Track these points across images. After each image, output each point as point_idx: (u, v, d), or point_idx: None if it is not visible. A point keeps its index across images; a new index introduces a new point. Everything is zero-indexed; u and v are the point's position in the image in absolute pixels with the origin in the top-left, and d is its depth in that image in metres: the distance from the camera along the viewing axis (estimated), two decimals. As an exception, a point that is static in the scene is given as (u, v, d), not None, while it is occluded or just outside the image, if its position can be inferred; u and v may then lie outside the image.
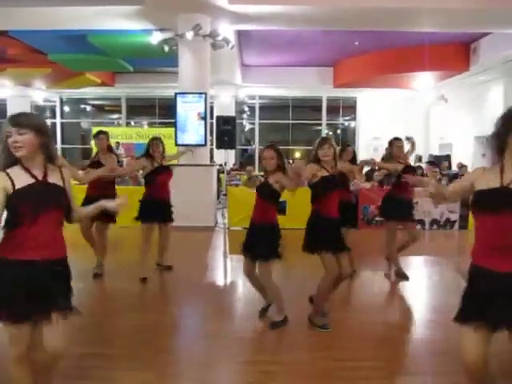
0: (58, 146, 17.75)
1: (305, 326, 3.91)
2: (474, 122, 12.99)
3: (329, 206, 3.79)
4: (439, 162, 12.58)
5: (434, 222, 8.66)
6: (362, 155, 16.95)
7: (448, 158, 13.93)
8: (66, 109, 18.59)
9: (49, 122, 17.93)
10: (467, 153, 13.20)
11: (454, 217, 8.64)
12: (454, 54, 11.85)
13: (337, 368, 3.19)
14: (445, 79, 13.26)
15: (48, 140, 2.25)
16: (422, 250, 7.50)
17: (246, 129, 18.65)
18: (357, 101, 17.56)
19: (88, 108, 19.27)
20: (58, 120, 18.01)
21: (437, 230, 8.64)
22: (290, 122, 17.70)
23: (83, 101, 18.78)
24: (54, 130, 17.77)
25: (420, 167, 10.85)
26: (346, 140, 18.74)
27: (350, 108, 17.88)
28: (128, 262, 5.94)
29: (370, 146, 16.36)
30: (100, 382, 2.99)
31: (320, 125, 17.82)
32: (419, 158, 14.28)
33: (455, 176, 10.16)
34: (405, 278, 5.28)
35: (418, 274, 5.88)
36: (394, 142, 5.30)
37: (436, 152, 15.35)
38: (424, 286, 5.47)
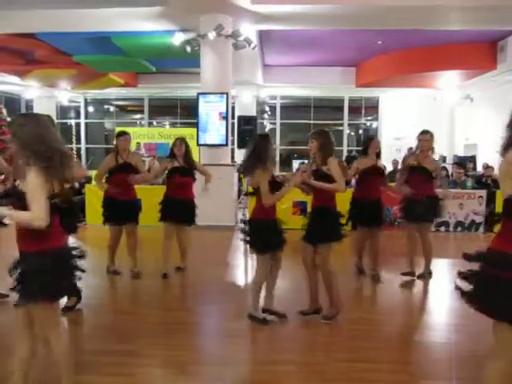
0: (82, 145, 18.07)
1: (322, 326, 3.89)
2: (501, 122, 12.65)
3: None
4: (464, 162, 12.32)
5: (458, 224, 8.49)
6: (384, 156, 16.76)
7: (473, 158, 13.63)
8: (90, 109, 18.92)
9: (73, 122, 18.31)
10: (493, 153, 12.87)
11: (479, 219, 8.45)
12: (481, 53, 11.59)
13: (353, 370, 3.17)
14: (470, 78, 12.99)
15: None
16: (445, 252, 7.38)
17: (267, 129, 18.64)
18: (379, 100, 17.35)
19: (111, 108, 19.55)
20: (83, 120, 18.34)
21: (461, 232, 8.47)
22: (312, 122, 17.60)
23: (107, 101, 19.07)
24: (79, 130, 18.11)
25: (444, 168, 10.66)
26: (368, 140, 18.57)
27: (372, 108, 17.68)
28: (149, 260, 6.00)
29: (392, 147, 16.15)
30: (123, 379, 3.03)
31: (341, 125, 17.67)
32: (443, 159, 14.03)
33: (480, 177, 9.94)
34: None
35: (441, 277, 5.77)
36: (418, 136, 5.26)
37: (461, 153, 15.03)
38: (446, 289, 5.36)
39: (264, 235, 3.82)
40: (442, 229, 8.47)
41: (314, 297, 4.11)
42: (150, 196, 8.32)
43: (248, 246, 3.95)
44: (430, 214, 5.28)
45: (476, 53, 11.60)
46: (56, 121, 16.38)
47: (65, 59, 11.33)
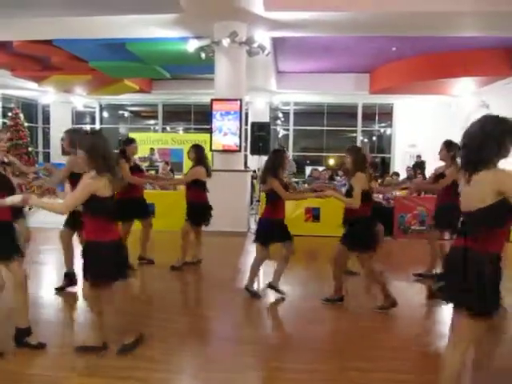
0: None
1: (332, 335, 3.85)
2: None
3: None
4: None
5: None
6: (397, 163, 16.65)
7: (488, 166, 13.43)
8: (105, 114, 19.15)
9: (88, 127, 18.54)
10: (510, 160, 12.69)
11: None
12: (496, 59, 11.45)
13: (366, 379, 3.14)
14: (486, 85, 12.84)
15: None
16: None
17: (280, 135, 18.65)
18: (393, 107, 17.26)
19: (126, 114, 19.76)
20: (98, 125, 18.57)
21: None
22: (325, 128, 17.57)
23: (121, 107, 19.28)
24: (94, 135, 18.31)
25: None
26: (382, 147, 18.49)
27: (386, 114, 17.59)
28: (163, 264, 6.02)
29: (406, 154, 16.03)
30: (136, 383, 3.04)
31: (355, 131, 17.61)
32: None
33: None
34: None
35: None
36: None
37: (476, 160, 14.84)
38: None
39: (268, 231, 4.70)
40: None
41: (338, 287, 4.65)
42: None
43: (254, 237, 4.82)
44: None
45: (492, 59, 11.46)
46: (71, 126, 16.61)
47: (81, 65, 11.49)
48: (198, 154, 5.87)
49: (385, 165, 16.42)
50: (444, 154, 5.28)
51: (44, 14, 7.84)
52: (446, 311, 4.72)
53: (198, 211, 5.90)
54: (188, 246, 6.00)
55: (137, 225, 6.01)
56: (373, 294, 5.17)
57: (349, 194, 4.33)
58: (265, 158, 13.67)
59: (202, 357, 3.50)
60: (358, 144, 17.42)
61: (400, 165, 15.47)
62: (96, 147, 3.15)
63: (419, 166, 13.51)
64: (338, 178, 11.33)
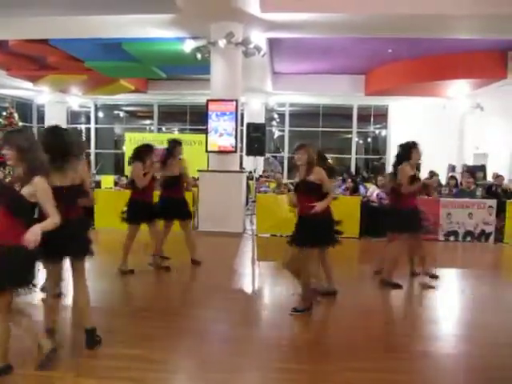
0: (92, 150, 18.22)
1: (333, 335, 3.87)
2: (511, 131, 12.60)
3: None
4: (474, 172, 12.23)
5: (467, 233, 8.41)
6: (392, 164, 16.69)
7: (483, 168, 13.52)
8: (100, 114, 19.09)
9: (83, 127, 18.49)
10: (504, 163, 12.79)
11: (489, 229, 8.36)
12: (491, 62, 11.54)
13: (364, 379, 3.15)
14: (481, 87, 12.92)
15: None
16: (455, 262, 7.32)
17: (276, 136, 18.67)
18: (388, 109, 17.34)
19: (121, 114, 19.71)
20: (93, 125, 18.52)
21: (471, 242, 8.39)
22: (320, 129, 17.62)
23: (117, 107, 19.23)
24: (89, 135, 18.27)
25: (454, 177, 10.60)
26: (377, 148, 18.55)
27: (382, 116, 17.67)
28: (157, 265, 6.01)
29: (401, 155, 16.07)
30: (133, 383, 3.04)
31: (350, 133, 17.67)
32: (452, 168, 13.94)
33: (490, 187, 9.85)
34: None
35: (450, 287, 5.72)
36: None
37: (470, 162, 14.94)
38: (456, 299, 5.31)
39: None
40: (451, 238, 8.40)
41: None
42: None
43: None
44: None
45: (486, 62, 11.55)
46: (66, 125, 16.56)
47: (76, 65, 11.46)
48: None
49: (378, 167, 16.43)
50: None
51: (41, 13, 7.83)
52: (442, 312, 4.77)
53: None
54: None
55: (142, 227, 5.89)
56: (370, 295, 5.20)
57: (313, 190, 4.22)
58: (260, 159, 13.72)
59: (198, 357, 3.49)
60: (353, 145, 17.51)
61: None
62: (24, 146, 2.91)
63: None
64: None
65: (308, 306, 4.37)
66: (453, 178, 10.48)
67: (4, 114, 13.89)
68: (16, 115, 13.96)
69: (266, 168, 15.19)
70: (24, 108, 17.30)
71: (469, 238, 8.41)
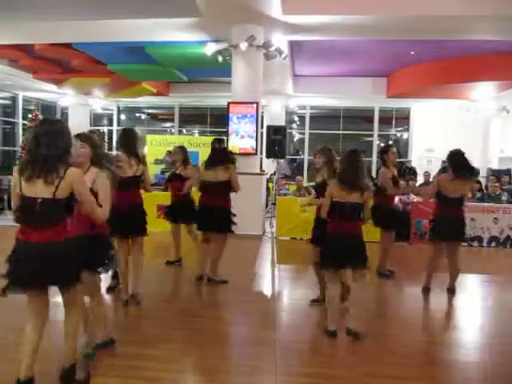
0: (114, 152, 18.45)
1: (354, 340, 3.81)
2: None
3: None
4: (499, 176, 11.97)
5: (492, 239, 8.22)
6: (415, 167, 16.44)
7: (509, 172, 13.21)
8: (123, 117, 19.34)
9: (106, 129, 18.77)
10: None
11: (516, 234, 8.16)
12: (518, 63, 11.28)
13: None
14: (507, 89, 12.64)
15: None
16: (478, 268, 7.15)
17: (296, 138, 18.61)
18: (410, 111, 17.09)
19: (143, 116, 19.94)
20: (115, 127, 18.77)
21: (495, 247, 8.20)
22: (341, 132, 17.48)
23: (138, 109, 19.46)
24: (111, 137, 18.54)
25: (479, 181, 10.37)
26: (399, 151, 18.29)
27: (404, 119, 17.42)
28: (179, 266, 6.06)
29: (423, 158, 15.84)
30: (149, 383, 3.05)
31: (371, 135, 17.48)
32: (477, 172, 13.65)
33: (516, 191, 9.61)
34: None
35: (473, 294, 5.60)
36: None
37: (495, 166, 14.61)
38: (478, 306, 5.19)
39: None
40: (475, 244, 8.23)
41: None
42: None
43: None
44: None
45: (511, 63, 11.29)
46: (89, 128, 16.83)
47: (100, 68, 11.66)
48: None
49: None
50: None
51: (65, 17, 7.99)
52: (465, 319, 4.66)
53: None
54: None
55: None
56: (390, 301, 5.13)
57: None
58: (280, 161, 13.72)
59: (217, 359, 3.48)
60: (375, 148, 17.31)
61: (417, 169, 15.29)
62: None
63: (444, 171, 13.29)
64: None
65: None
66: (477, 182, 10.26)
67: (30, 116, 14.22)
68: (41, 117, 14.29)
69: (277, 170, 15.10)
70: (48, 110, 17.65)
71: (493, 244, 8.22)
